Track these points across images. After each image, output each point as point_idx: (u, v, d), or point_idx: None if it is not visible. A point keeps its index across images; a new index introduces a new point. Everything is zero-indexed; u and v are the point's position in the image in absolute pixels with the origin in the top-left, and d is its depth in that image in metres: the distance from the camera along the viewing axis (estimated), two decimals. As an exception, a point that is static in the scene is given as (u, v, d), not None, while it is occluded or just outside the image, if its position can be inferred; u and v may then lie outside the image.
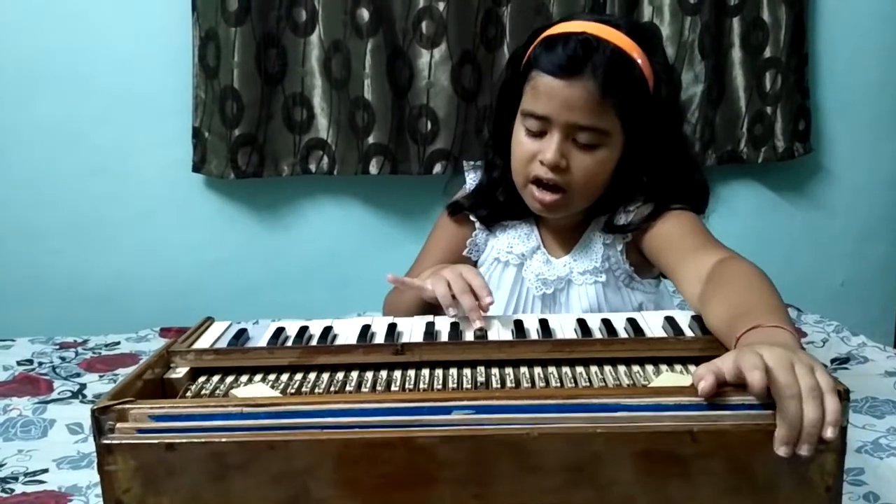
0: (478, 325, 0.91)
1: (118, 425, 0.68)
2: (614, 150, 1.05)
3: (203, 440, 0.66)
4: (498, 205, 1.17)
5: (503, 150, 1.12)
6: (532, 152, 1.05)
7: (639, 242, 1.11)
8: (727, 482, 0.66)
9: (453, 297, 0.94)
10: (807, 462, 0.65)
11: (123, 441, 0.67)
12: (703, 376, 0.67)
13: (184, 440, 0.66)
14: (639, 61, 1.03)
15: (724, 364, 0.67)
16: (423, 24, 1.80)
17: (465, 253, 1.20)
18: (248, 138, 1.80)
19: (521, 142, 1.07)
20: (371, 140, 1.82)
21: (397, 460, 0.66)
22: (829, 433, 0.63)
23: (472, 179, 1.22)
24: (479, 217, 1.18)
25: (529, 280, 1.15)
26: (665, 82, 1.06)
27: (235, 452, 0.66)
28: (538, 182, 1.06)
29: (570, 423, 0.66)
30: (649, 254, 1.10)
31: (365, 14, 1.77)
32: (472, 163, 1.24)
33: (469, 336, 0.90)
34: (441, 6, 1.78)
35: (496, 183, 1.16)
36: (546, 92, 1.03)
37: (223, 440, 0.66)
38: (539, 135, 1.05)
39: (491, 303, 0.93)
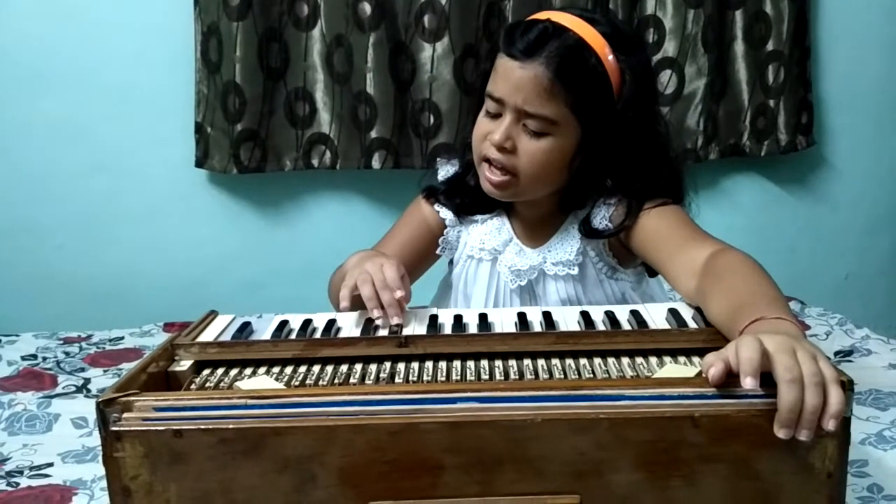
0: (395, 321, 0.92)
1: (124, 416, 0.68)
2: (564, 142, 1.04)
3: (211, 426, 0.67)
4: (469, 191, 1.17)
5: None
6: (486, 132, 1.06)
7: (623, 237, 1.10)
8: (729, 468, 0.66)
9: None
10: (808, 448, 0.65)
11: (132, 428, 0.67)
12: (712, 363, 0.67)
13: (191, 426, 0.67)
14: (602, 55, 1.02)
15: (730, 352, 0.67)
16: (426, 18, 1.79)
17: (437, 251, 1.21)
18: (251, 133, 1.80)
19: (480, 122, 1.09)
20: (373, 134, 1.82)
21: (402, 447, 0.66)
22: (831, 425, 0.63)
23: (442, 175, 1.22)
24: (453, 206, 1.18)
25: (504, 273, 1.15)
26: (632, 83, 1.04)
27: (242, 439, 0.67)
28: (489, 162, 1.07)
29: (573, 411, 0.66)
30: (636, 249, 1.09)
31: (367, 8, 1.77)
32: (445, 159, 1.25)
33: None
34: (443, 0, 1.78)
35: (469, 166, 1.16)
36: (503, 73, 1.04)
37: (230, 426, 0.67)
38: (496, 116, 1.06)
39: (402, 296, 0.94)
